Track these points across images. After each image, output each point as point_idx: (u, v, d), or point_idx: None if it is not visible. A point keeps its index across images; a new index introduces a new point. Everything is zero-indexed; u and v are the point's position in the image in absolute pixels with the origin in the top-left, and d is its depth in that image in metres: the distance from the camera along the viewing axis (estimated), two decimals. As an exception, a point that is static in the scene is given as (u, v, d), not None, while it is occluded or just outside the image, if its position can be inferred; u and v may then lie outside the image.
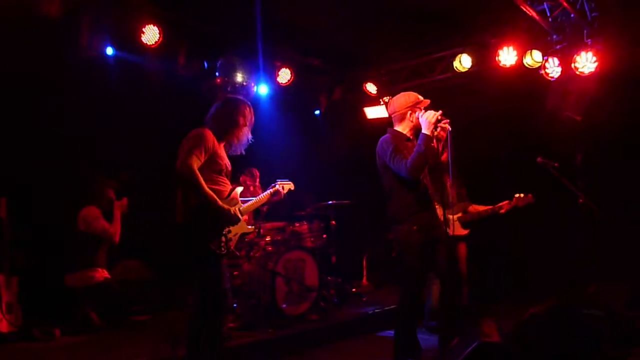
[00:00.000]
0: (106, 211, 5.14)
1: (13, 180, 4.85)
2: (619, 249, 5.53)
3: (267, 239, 5.47)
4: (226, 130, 3.59)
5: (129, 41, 5.28)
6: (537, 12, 5.35)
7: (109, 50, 5.31)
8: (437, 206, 5.05)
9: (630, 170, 5.72)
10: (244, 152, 3.73)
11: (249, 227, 3.70)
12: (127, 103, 5.63)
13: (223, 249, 3.41)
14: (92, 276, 4.93)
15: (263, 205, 4.03)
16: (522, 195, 4.96)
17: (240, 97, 3.78)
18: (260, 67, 6.39)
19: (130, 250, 5.40)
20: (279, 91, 6.87)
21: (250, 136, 3.71)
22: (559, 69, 5.67)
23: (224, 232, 3.42)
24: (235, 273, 5.27)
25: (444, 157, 4.77)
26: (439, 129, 3.71)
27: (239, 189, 3.67)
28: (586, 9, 5.34)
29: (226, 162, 3.58)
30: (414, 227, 3.72)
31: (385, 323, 5.38)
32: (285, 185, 3.98)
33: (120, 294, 5.01)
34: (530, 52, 5.82)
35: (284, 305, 5.06)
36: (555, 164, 5.10)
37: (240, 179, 5.93)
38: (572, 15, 5.37)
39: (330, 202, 6.04)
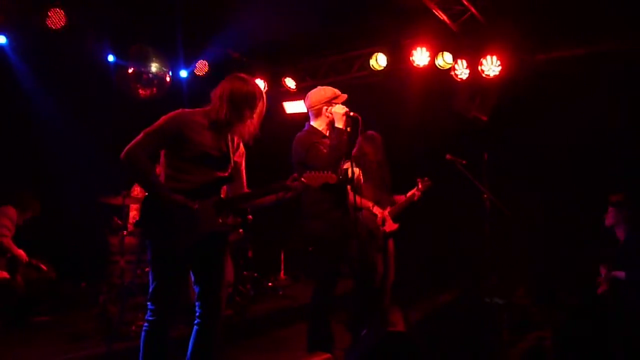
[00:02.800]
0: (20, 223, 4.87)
1: None
2: (519, 242, 5.91)
3: (181, 234, 5.34)
4: (228, 116, 2.99)
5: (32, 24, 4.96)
6: (448, 16, 5.60)
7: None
8: (371, 205, 5.20)
9: (531, 167, 6.13)
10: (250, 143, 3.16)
11: (221, 224, 3.05)
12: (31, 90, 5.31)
13: (176, 245, 2.89)
14: None
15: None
16: (422, 180, 5.14)
17: (249, 78, 3.11)
18: (176, 58, 6.24)
19: (34, 249, 5.12)
20: (196, 83, 6.73)
21: (255, 129, 3.12)
22: (467, 71, 5.97)
23: (181, 228, 2.89)
24: (146, 269, 5.10)
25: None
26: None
27: (225, 180, 3.14)
28: (492, 15, 5.64)
29: (210, 149, 2.99)
30: (326, 223, 3.78)
31: (300, 317, 5.44)
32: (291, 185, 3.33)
33: (22, 295, 4.74)
34: (442, 54, 6.06)
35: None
36: (463, 161, 5.35)
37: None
38: (479, 21, 5.66)
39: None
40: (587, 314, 4.41)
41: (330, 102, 3.87)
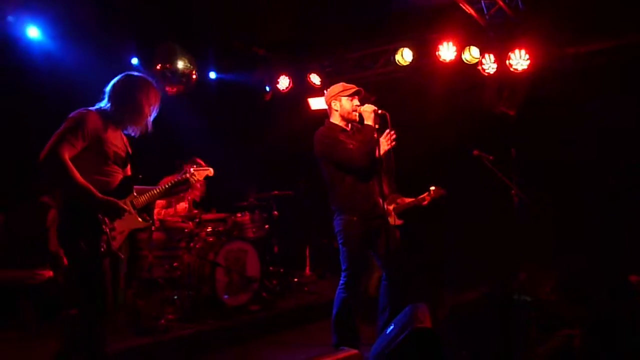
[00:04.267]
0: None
1: None
2: (547, 239, 5.82)
3: (208, 230, 5.41)
4: (123, 113, 3.07)
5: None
6: (475, 10, 5.52)
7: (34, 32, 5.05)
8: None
9: (560, 163, 6.02)
10: (136, 136, 3.22)
11: (143, 221, 3.15)
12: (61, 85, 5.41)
13: (102, 248, 2.90)
14: (40, 274, 4.73)
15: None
16: (436, 188, 5.13)
17: (145, 76, 3.22)
18: (203, 55, 6.30)
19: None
20: (222, 80, 6.79)
21: (149, 124, 3.19)
22: (495, 65, 5.88)
23: (105, 229, 2.92)
24: (174, 264, 5.20)
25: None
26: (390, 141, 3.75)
27: (134, 178, 3.22)
28: (520, 8, 5.54)
29: (117, 147, 3.07)
30: (354, 217, 3.78)
31: (326, 312, 5.45)
32: (200, 172, 3.51)
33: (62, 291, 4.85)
34: (469, 48, 5.98)
35: (225, 296, 5.03)
36: (490, 157, 5.30)
37: (185, 169, 5.80)
38: (507, 14, 5.57)
39: (272, 192, 6.05)
40: (617, 312, 4.32)
41: (337, 96, 3.93)
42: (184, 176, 3.39)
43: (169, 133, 6.25)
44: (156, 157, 5.94)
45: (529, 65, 5.67)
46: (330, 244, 7.10)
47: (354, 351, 3.06)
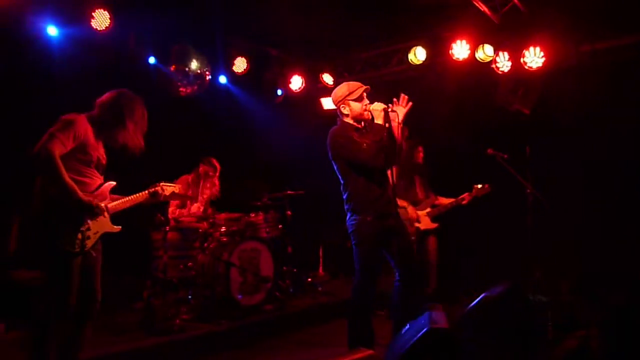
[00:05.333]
0: None
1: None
2: (563, 238, 5.76)
3: (222, 230, 5.43)
4: (109, 126, 3.29)
5: (77, 25, 5.10)
6: (489, 8, 5.48)
7: (53, 31, 5.11)
8: (406, 205, 5.38)
9: (575, 161, 5.96)
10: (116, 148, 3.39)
11: (115, 226, 3.34)
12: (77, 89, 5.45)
13: (77, 248, 3.06)
14: None
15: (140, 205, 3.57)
16: (480, 185, 5.22)
17: (136, 96, 3.43)
18: (216, 56, 6.31)
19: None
20: (235, 80, 6.81)
21: (141, 142, 3.39)
22: (509, 63, 5.84)
23: (81, 228, 3.10)
24: (189, 264, 5.22)
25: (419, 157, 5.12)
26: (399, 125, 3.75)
27: (111, 184, 3.38)
28: (535, 5, 5.50)
29: (99, 154, 3.29)
30: (368, 217, 3.76)
31: (340, 312, 5.45)
32: (167, 188, 3.64)
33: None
34: (482, 46, 5.95)
35: (239, 296, 5.04)
36: (505, 156, 5.27)
37: (200, 169, 5.84)
38: (521, 11, 5.52)
39: (286, 192, 6.05)
40: (635, 312, 4.26)
41: (343, 101, 3.88)
42: (151, 190, 3.55)
43: (184, 133, 6.31)
44: (172, 157, 5.99)
45: (543, 63, 5.62)
46: (343, 243, 7.10)
47: (370, 351, 3.04)
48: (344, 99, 3.87)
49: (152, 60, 5.86)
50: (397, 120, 3.72)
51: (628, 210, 5.73)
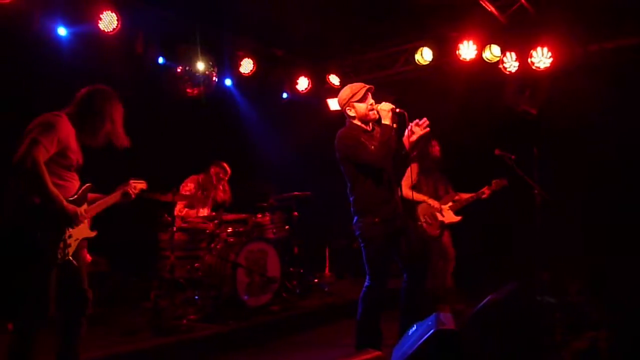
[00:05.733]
0: None
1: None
2: (571, 238, 5.73)
3: (228, 231, 5.44)
4: (86, 123, 3.17)
5: (85, 27, 5.12)
6: (496, 8, 5.47)
7: (62, 31, 5.12)
8: (426, 198, 5.54)
9: (583, 161, 5.93)
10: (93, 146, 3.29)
11: (91, 232, 3.26)
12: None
13: (59, 256, 2.97)
14: None
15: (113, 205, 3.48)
16: (498, 180, 5.43)
17: (113, 91, 3.32)
18: (222, 57, 6.32)
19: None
20: (242, 81, 6.81)
21: (125, 139, 3.34)
22: (517, 64, 5.82)
23: (63, 237, 3.00)
24: (196, 265, 5.23)
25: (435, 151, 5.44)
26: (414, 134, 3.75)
27: (88, 187, 3.25)
28: (542, 5, 5.47)
29: (78, 156, 3.16)
30: (376, 219, 3.75)
31: (346, 313, 5.44)
32: (137, 185, 3.53)
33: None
34: (490, 47, 5.93)
35: (246, 297, 5.05)
36: (512, 156, 5.25)
37: (212, 170, 5.85)
38: (528, 11, 5.50)
39: (292, 193, 6.06)
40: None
41: (349, 103, 3.87)
42: (123, 191, 3.44)
43: (190, 134, 6.32)
44: (179, 157, 6.01)
45: (551, 63, 5.59)
46: (349, 244, 7.10)
47: (378, 352, 3.03)
48: (348, 101, 3.86)
49: (160, 60, 5.87)
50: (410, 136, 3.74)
51: (638, 211, 5.69)
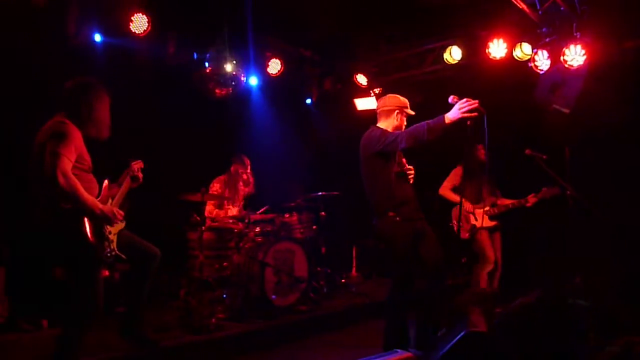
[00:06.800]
0: None
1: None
2: (604, 241, 5.60)
3: (256, 230, 5.47)
4: (86, 119, 3.27)
5: (117, 30, 5.21)
6: (527, 5, 5.36)
7: (97, 37, 5.22)
8: (463, 202, 5.53)
9: (617, 162, 5.78)
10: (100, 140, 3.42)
11: (122, 222, 3.43)
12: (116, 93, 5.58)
13: (107, 253, 3.20)
14: None
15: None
16: (548, 188, 5.28)
17: (92, 78, 3.40)
18: (250, 57, 6.36)
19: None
20: (269, 82, 6.84)
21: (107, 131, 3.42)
22: (548, 62, 5.69)
23: (105, 235, 3.22)
24: (224, 264, 5.28)
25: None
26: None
27: (106, 185, 3.39)
28: (576, 2, 5.35)
29: (89, 156, 3.28)
30: (398, 218, 3.76)
31: (374, 314, 5.42)
32: (135, 166, 3.62)
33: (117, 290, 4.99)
34: (520, 45, 5.82)
35: (273, 296, 5.07)
36: (544, 156, 5.16)
37: (232, 169, 5.89)
38: (561, 9, 5.38)
39: (320, 193, 6.06)
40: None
41: (402, 109, 3.98)
42: (131, 174, 3.58)
43: (217, 134, 6.38)
44: (205, 158, 6.06)
45: (585, 61, 5.46)
46: (376, 245, 7.07)
47: (408, 354, 3.02)
48: (402, 109, 3.97)
49: (194, 58, 5.95)
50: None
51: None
